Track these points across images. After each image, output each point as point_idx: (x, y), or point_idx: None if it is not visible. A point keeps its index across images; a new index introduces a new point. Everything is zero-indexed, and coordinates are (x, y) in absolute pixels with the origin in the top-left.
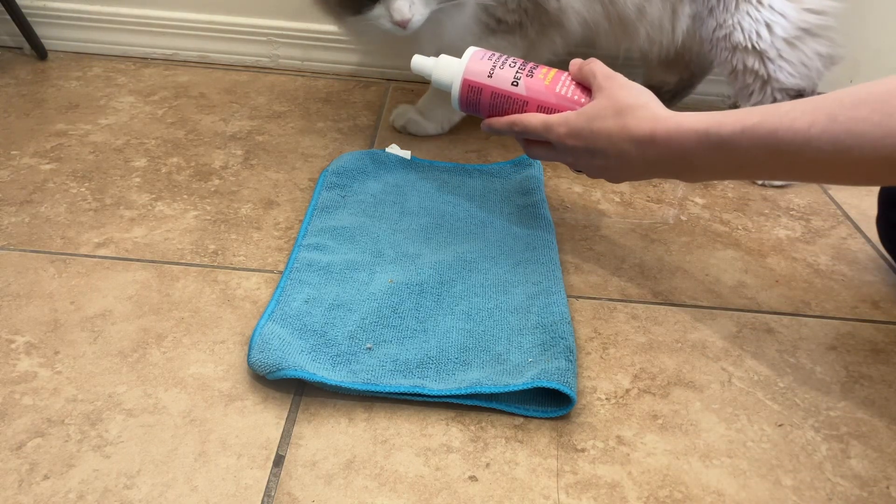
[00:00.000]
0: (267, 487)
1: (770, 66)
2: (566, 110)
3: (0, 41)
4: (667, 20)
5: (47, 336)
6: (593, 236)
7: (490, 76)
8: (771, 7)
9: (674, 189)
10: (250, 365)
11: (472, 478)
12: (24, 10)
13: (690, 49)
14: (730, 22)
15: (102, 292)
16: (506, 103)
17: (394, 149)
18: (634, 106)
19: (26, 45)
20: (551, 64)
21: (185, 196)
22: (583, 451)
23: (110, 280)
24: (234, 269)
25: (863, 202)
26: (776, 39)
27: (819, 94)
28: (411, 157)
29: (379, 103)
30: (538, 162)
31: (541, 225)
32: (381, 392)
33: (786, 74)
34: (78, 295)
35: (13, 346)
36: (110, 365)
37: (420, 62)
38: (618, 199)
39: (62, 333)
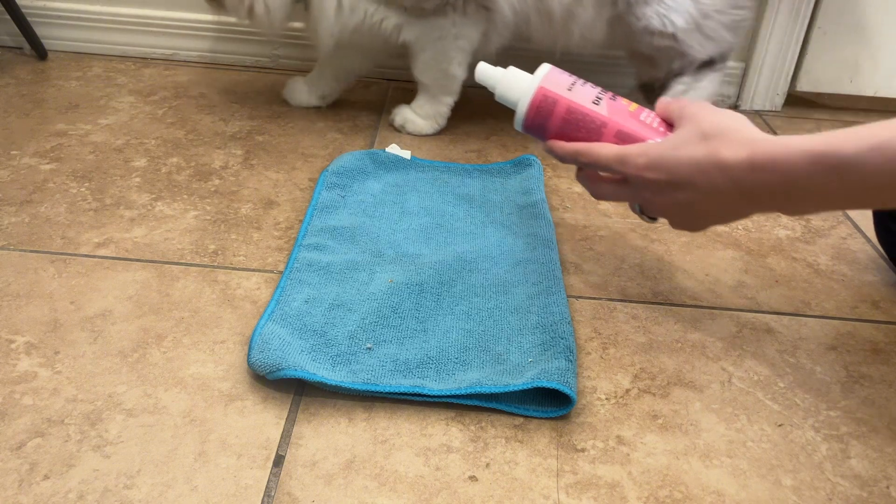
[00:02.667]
0: (267, 487)
1: (683, 44)
2: (650, 140)
3: (0, 41)
4: (595, 21)
5: (47, 336)
6: (593, 236)
7: (570, 90)
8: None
9: None
10: (250, 365)
11: (472, 478)
12: (24, 10)
13: (641, 41)
14: (647, 14)
15: (102, 292)
16: (581, 123)
17: (394, 149)
18: (725, 129)
19: (26, 45)
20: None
21: (185, 196)
22: (583, 451)
23: (110, 280)
24: (234, 269)
25: None
26: (683, 22)
27: (723, 60)
28: (411, 157)
29: (379, 103)
30: (538, 162)
31: (541, 225)
32: (381, 392)
33: (696, 49)
34: (78, 295)
35: (13, 346)
36: (110, 365)
37: (486, 71)
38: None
39: (62, 333)
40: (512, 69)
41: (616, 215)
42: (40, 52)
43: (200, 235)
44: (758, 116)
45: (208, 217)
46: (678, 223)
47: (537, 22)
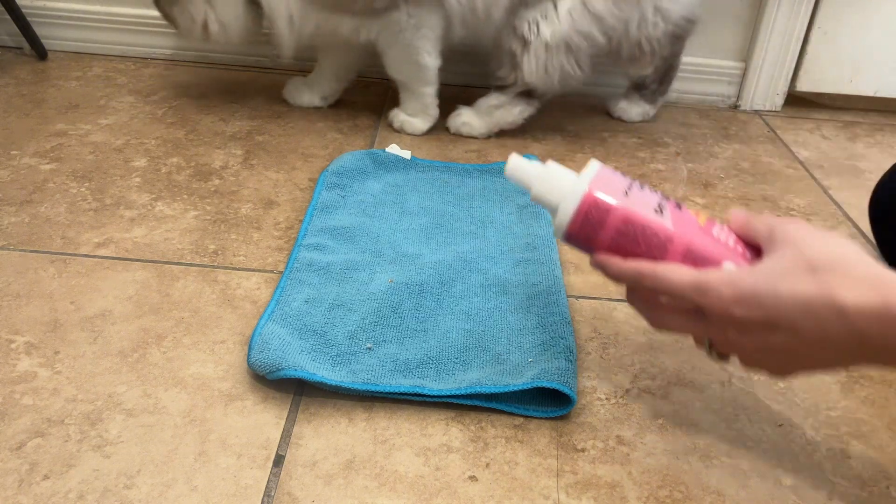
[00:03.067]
0: (267, 487)
1: (524, 61)
2: (725, 261)
3: (0, 41)
4: (504, 11)
5: (47, 336)
6: None
7: (626, 195)
8: (557, 12)
9: (674, 189)
10: (250, 365)
11: (472, 478)
12: (24, 10)
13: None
14: (528, 16)
15: (102, 292)
16: (640, 236)
17: (394, 149)
18: (840, 260)
19: (26, 45)
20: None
21: (184, 196)
22: (583, 450)
23: (110, 280)
24: (234, 269)
25: (863, 202)
26: (548, 35)
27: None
28: (411, 157)
29: (379, 103)
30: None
31: (541, 225)
32: (381, 392)
33: (530, 70)
34: (78, 295)
35: (13, 346)
36: (110, 365)
37: (519, 167)
38: None
39: (62, 333)
40: (552, 165)
41: None
42: (40, 52)
43: (200, 235)
44: (758, 116)
45: (208, 217)
46: (764, 367)
47: (471, 17)
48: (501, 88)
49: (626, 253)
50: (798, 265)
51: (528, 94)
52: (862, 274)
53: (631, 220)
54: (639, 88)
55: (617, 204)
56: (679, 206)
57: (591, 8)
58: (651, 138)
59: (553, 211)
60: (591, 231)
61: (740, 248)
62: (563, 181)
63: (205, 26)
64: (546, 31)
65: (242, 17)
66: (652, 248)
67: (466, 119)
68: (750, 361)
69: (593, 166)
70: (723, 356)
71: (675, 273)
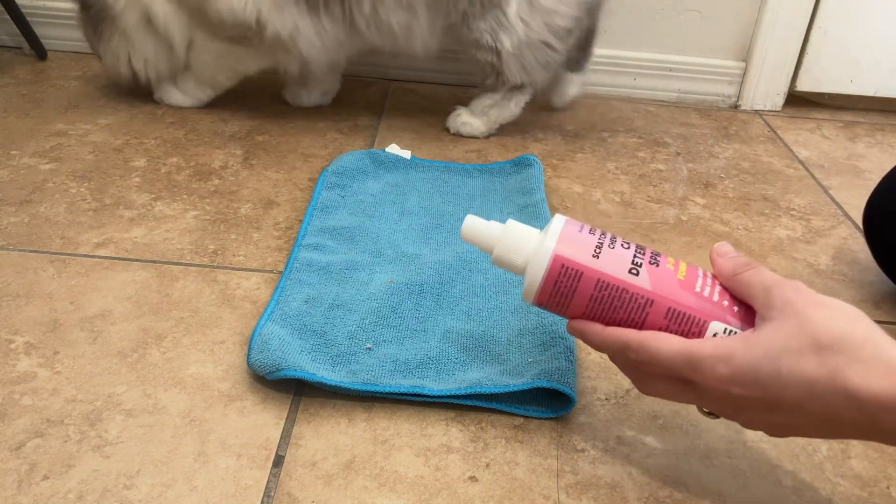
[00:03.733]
0: (266, 488)
1: (504, 65)
2: (712, 322)
3: (0, 41)
4: (432, 31)
5: (47, 336)
6: None
7: (596, 256)
8: (508, 18)
9: (674, 189)
10: (250, 365)
11: (472, 478)
12: (24, 10)
13: (468, 50)
14: (481, 27)
15: (102, 292)
16: (617, 301)
17: (393, 148)
18: (849, 339)
19: (26, 45)
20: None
21: (184, 196)
22: (583, 451)
23: (110, 280)
24: (233, 269)
25: (863, 202)
26: (510, 44)
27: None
28: (411, 156)
29: (379, 103)
30: (538, 162)
31: (541, 225)
32: (381, 392)
33: (512, 73)
34: (77, 295)
35: (12, 346)
36: (110, 365)
37: (477, 228)
38: (618, 199)
39: (62, 333)
40: (512, 224)
41: (616, 215)
42: (40, 52)
43: (200, 235)
44: (758, 116)
45: (208, 217)
46: (763, 431)
47: (381, 39)
48: (491, 89)
49: (604, 318)
50: (802, 342)
51: (518, 87)
52: (872, 356)
53: (605, 283)
54: (567, 67)
55: (588, 266)
56: (656, 258)
57: (538, 5)
58: (651, 138)
59: (518, 272)
60: (563, 298)
61: (727, 301)
62: (526, 242)
63: (129, 64)
64: (506, 41)
65: (161, 50)
66: (631, 313)
67: (466, 119)
68: (748, 426)
69: (558, 223)
70: (711, 414)
71: (664, 343)
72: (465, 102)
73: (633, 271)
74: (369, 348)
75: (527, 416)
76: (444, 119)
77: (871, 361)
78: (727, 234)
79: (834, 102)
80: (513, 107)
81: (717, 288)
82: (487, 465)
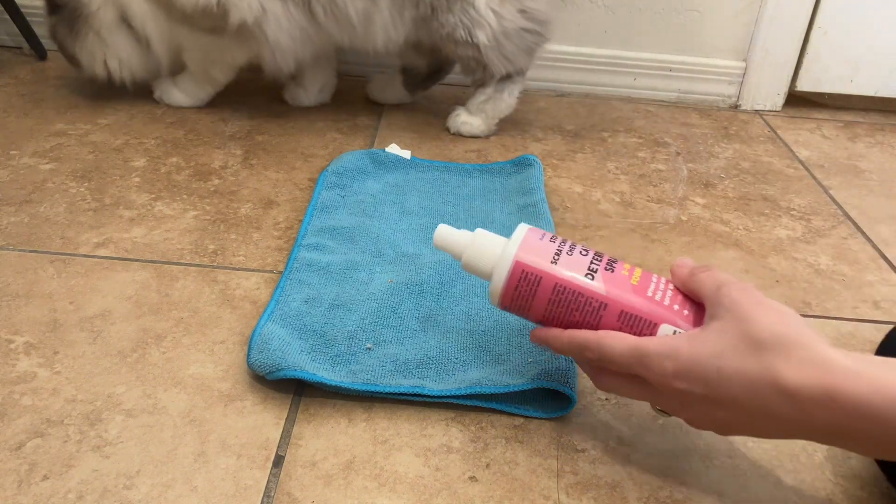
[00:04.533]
0: (266, 488)
1: (486, 58)
2: (663, 324)
3: (0, 41)
4: (396, 23)
5: (46, 336)
6: (593, 236)
7: (554, 262)
8: (478, 10)
9: (674, 189)
10: (250, 365)
11: (472, 478)
12: (23, 10)
13: (446, 47)
14: (451, 21)
15: (102, 292)
16: (573, 304)
17: (393, 148)
18: (786, 339)
19: (26, 45)
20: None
21: (184, 196)
22: (583, 451)
23: (110, 280)
24: (233, 269)
25: (863, 202)
26: (485, 37)
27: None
28: (411, 156)
29: (379, 103)
30: (538, 162)
31: (541, 225)
32: (381, 392)
33: (496, 64)
34: (77, 295)
35: (12, 346)
36: (110, 365)
37: (448, 236)
38: (618, 200)
39: (61, 333)
40: (480, 233)
41: (616, 215)
42: (40, 52)
43: (200, 235)
44: (758, 116)
45: (208, 217)
46: (710, 429)
47: (339, 31)
48: (481, 84)
49: (563, 320)
50: (742, 341)
51: (507, 76)
52: (806, 356)
53: (562, 287)
54: (406, 74)
55: (547, 272)
56: (612, 264)
57: None
58: (651, 138)
59: (485, 277)
60: (525, 298)
61: (678, 305)
62: (492, 249)
63: (104, 64)
64: (481, 35)
65: (136, 50)
66: (587, 315)
67: (465, 119)
68: (695, 424)
69: (521, 231)
70: (665, 413)
71: (617, 341)
72: (465, 102)
73: (589, 276)
74: (369, 348)
75: (527, 416)
76: (444, 119)
77: (804, 360)
78: (727, 234)
79: (834, 102)
80: (507, 98)
81: (670, 293)
82: (487, 465)
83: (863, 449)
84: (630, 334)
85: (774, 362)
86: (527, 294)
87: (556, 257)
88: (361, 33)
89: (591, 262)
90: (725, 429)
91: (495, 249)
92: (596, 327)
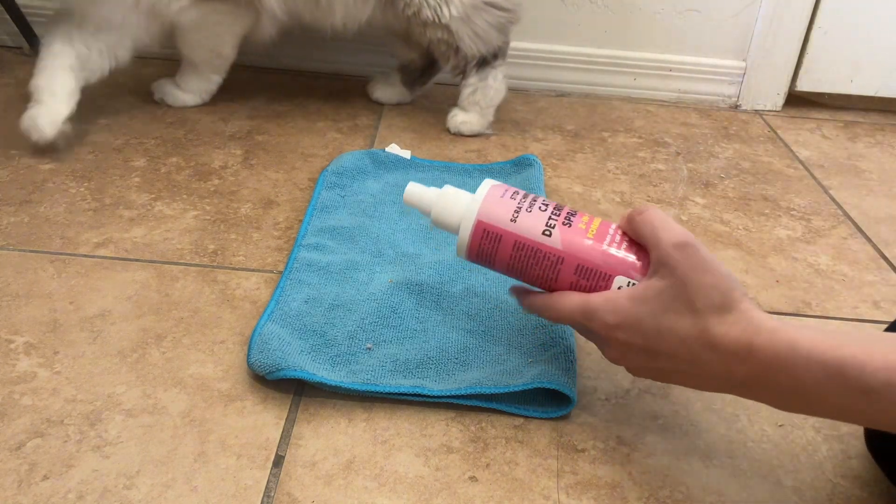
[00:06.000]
0: (266, 488)
1: (457, 37)
2: (617, 276)
3: (0, 41)
4: (359, 1)
5: (46, 336)
6: None
7: (513, 220)
8: None
9: (674, 189)
10: (250, 365)
11: (472, 478)
12: (24, 10)
13: (414, 31)
14: (416, 1)
15: (102, 292)
16: (532, 260)
17: (393, 148)
18: (718, 302)
19: (26, 45)
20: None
21: (184, 196)
22: (583, 451)
23: (110, 280)
24: (233, 269)
25: (863, 202)
26: (452, 13)
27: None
28: (411, 156)
29: (379, 103)
30: (538, 162)
31: None
32: (381, 392)
33: (467, 44)
34: (77, 295)
35: (12, 346)
36: (110, 365)
37: (417, 193)
38: (618, 199)
39: (61, 333)
40: (448, 189)
41: (616, 215)
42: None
43: (200, 235)
44: (758, 116)
45: (208, 217)
46: (650, 378)
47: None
48: (462, 75)
49: (524, 274)
50: (681, 303)
51: (484, 61)
52: (735, 318)
53: (521, 244)
54: (404, 72)
55: (506, 230)
56: (570, 218)
57: None
58: (651, 138)
59: (452, 231)
60: (488, 255)
61: (633, 255)
62: (458, 205)
63: None
64: (447, 12)
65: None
66: (546, 270)
67: (463, 118)
68: (635, 372)
69: (484, 187)
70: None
71: (566, 301)
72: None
73: (546, 233)
74: (369, 348)
75: (527, 416)
76: (444, 119)
77: (733, 321)
78: (727, 234)
79: (834, 102)
80: (493, 83)
81: (625, 243)
82: (487, 465)
83: (779, 402)
84: (586, 288)
85: (707, 323)
86: (490, 250)
87: (516, 215)
88: (325, 6)
89: (550, 218)
90: (663, 377)
91: (460, 206)
92: (554, 281)
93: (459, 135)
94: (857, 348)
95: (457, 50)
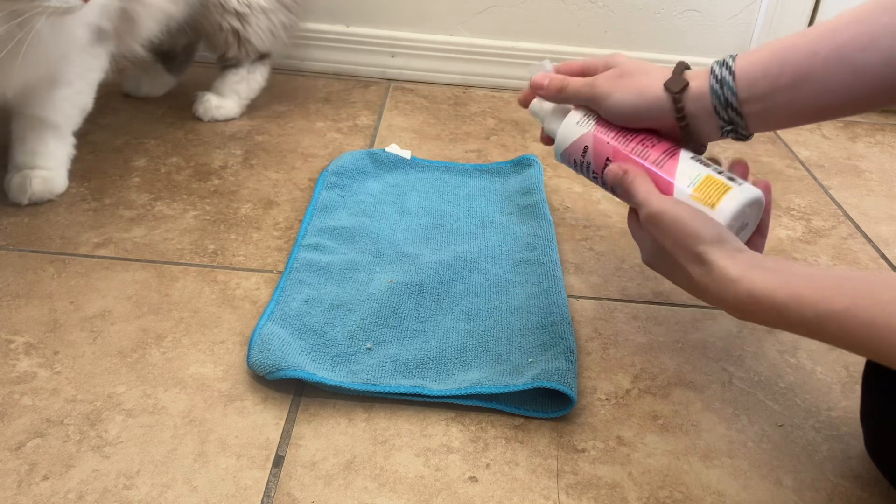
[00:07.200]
0: (266, 488)
1: (248, 28)
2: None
3: None
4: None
5: (46, 336)
6: (593, 236)
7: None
8: None
9: None
10: (250, 365)
11: (472, 478)
12: None
13: (211, 17)
14: None
15: (102, 292)
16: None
17: (393, 148)
18: (693, 257)
19: None
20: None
21: (184, 196)
22: (583, 451)
23: (109, 280)
24: (233, 269)
25: (863, 202)
26: (256, 6)
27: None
28: (411, 156)
29: (379, 103)
30: (538, 162)
31: (541, 225)
32: (381, 392)
33: (258, 38)
34: (77, 295)
35: (12, 346)
36: (110, 365)
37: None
38: (618, 200)
39: (61, 333)
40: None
41: (616, 215)
42: None
43: (200, 235)
44: None
45: (208, 217)
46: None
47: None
48: (235, 65)
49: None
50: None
51: (262, 56)
52: (706, 270)
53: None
54: (163, 58)
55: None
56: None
57: None
58: None
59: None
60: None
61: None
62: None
63: None
64: (255, 2)
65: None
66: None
67: (217, 103)
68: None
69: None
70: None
71: (641, 185)
72: (466, 101)
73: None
74: (369, 348)
75: (527, 416)
76: (443, 119)
77: (705, 272)
78: None
79: None
80: (259, 79)
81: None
82: (487, 465)
83: (770, 325)
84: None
85: (693, 273)
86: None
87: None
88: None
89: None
90: (667, 273)
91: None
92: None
93: (214, 120)
94: (802, 288)
95: (246, 42)
